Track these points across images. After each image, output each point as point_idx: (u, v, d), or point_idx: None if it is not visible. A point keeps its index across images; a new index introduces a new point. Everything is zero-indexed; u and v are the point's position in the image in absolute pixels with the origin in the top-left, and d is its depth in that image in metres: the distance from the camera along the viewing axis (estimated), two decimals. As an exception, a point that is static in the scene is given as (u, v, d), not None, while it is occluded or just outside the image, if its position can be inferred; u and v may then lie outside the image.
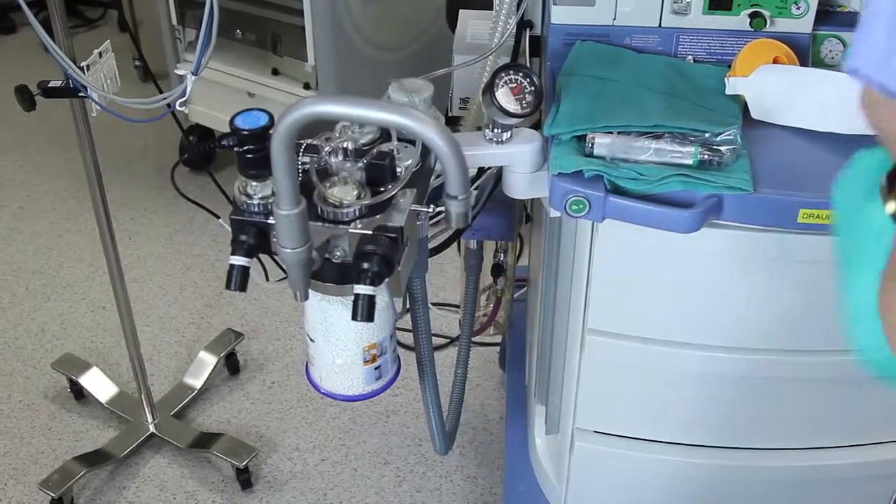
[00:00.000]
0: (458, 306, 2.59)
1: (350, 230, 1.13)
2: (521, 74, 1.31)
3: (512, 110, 1.30)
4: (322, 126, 1.21)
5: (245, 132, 1.10)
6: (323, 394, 1.34)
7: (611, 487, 1.73)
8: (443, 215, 1.17)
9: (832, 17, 1.48)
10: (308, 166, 1.17)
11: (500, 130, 1.35)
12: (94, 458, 2.27)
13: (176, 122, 1.90)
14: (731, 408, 1.57)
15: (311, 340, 1.30)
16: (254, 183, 1.14)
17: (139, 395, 2.34)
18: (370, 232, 1.12)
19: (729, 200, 1.27)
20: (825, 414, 1.57)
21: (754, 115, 1.38)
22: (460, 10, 1.82)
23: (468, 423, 2.41)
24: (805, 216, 1.26)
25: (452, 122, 1.61)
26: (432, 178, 1.31)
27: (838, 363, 1.49)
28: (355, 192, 1.15)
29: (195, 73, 1.57)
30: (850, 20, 1.47)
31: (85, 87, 1.75)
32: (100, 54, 1.77)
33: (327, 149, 1.18)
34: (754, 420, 1.58)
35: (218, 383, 2.57)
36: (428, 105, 1.35)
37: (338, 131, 1.21)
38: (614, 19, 1.48)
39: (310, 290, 1.17)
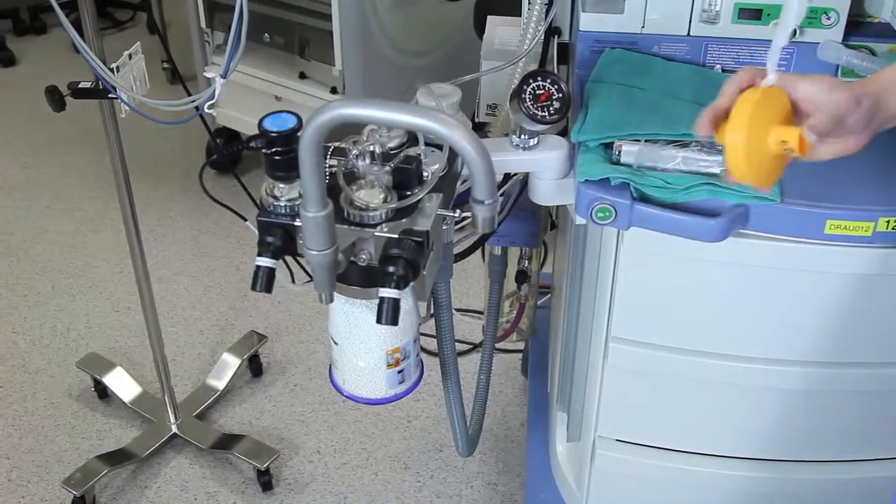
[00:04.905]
0: (481, 312, 2.60)
1: (376, 233, 1.13)
2: (548, 81, 1.31)
3: (539, 117, 1.30)
4: (349, 129, 1.21)
5: (273, 134, 1.10)
6: (346, 397, 1.34)
7: (632, 496, 1.72)
8: (468, 220, 1.18)
9: (863, 27, 1.47)
10: (335, 169, 1.17)
11: (527, 136, 1.35)
12: (116, 458, 2.28)
13: (204, 124, 1.91)
14: (754, 418, 1.56)
15: (335, 343, 1.30)
16: (281, 185, 1.15)
17: (162, 395, 2.35)
18: (396, 235, 1.12)
19: (756, 210, 1.26)
20: (847, 425, 1.56)
21: None
22: (488, 17, 1.82)
23: (489, 429, 2.41)
24: (832, 227, 1.25)
25: (479, 128, 1.62)
26: (459, 182, 1.31)
27: (861, 375, 1.48)
28: (382, 196, 1.15)
29: (224, 75, 1.58)
30: (880, 30, 1.46)
31: (114, 89, 1.76)
32: (129, 56, 1.79)
33: (355, 152, 1.18)
34: (778, 431, 1.57)
35: (240, 385, 2.58)
36: (455, 110, 1.35)
37: (365, 135, 1.21)
38: (643, 27, 1.47)
39: (335, 293, 1.18)
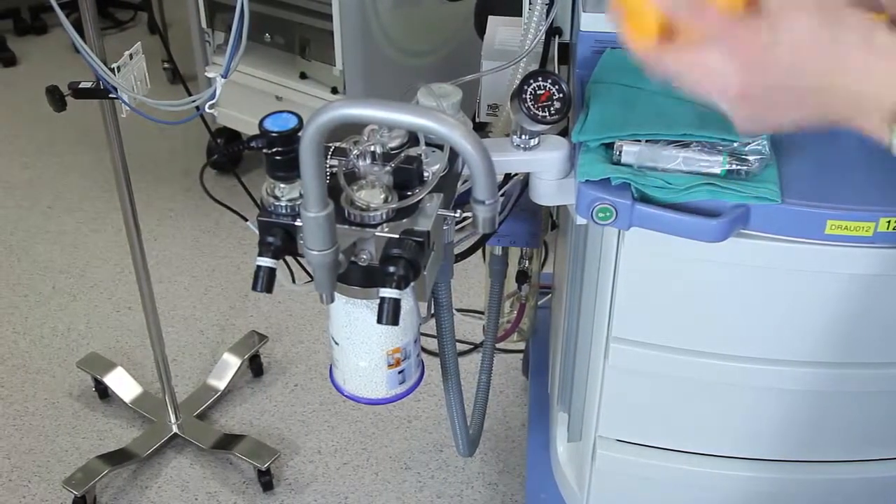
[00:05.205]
0: (482, 312, 2.59)
1: (377, 233, 1.13)
2: (549, 81, 1.31)
3: (540, 117, 1.30)
4: (350, 129, 1.21)
5: (274, 134, 1.10)
6: (346, 397, 1.34)
7: (632, 497, 1.72)
8: (469, 220, 1.18)
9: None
10: (336, 169, 1.17)
11: (527, 137, 1.35)
12: (117, 458, 2.28)
13: (204, 124, 1.91)
14: (755, 418, 1.56)
15: (336, 343, 1.30)
16: (282, 185, 1.15)
17: (163, 395, 2.35)
18: (397, 236, 1.12)
19: (756, 211, 1.26)
20: (849, 425, 1.56)
21: None
22: (489, 17, 1.82)
23: (490, 429, 2.41)
24: (833, 227, 1.25)
25: (480, 128, 1.62)
26: (459, 182, 1.31)
27: (862, 376, 1.48)
28: (382, 196, 1.15)
29: (225, 75, 1.58)
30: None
31: (115, 89, 1.76)
32: (130, 56, 1.79)
33: (355, 152, 1.18)
34: (780, 431, 1.57)
35: (241, 385, 2.58)
36: (456, 110, 1.35)
37: (366, 135, 1.21)
38: (644, 27, 1.47)
39: (335, 293, 1.18)
